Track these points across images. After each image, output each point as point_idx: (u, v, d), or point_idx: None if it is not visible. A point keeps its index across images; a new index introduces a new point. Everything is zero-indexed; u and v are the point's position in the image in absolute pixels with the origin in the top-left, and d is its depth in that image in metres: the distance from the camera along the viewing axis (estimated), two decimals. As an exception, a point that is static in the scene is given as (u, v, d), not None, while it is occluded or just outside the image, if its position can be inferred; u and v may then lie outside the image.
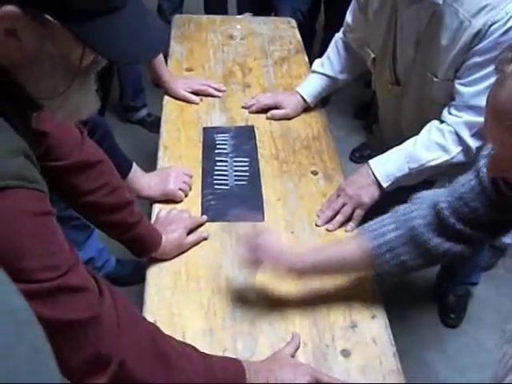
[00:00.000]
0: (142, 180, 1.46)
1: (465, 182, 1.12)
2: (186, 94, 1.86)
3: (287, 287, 1.31)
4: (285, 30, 2.32)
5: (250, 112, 1.85)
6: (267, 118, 1.83)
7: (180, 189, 1.50)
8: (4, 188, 0.73)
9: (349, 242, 1.24)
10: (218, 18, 2.40)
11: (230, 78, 2.01)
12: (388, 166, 1.48)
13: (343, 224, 1.48)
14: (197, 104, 1.86)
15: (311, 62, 2.15)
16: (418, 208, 1.17)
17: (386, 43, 1.57)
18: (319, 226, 1.47)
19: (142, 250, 1.33)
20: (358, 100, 3.44)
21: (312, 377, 1.10)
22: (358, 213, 1.49)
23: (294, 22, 2.38)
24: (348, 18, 1.75)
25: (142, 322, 0.97)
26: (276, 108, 1.83)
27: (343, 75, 1.83)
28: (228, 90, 1.94)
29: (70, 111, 0.86)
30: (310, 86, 1.84)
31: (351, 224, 1.48)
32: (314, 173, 1.63)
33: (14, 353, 0.31)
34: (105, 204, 1.22)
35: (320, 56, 1.89)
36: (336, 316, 1.27)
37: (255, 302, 1.28)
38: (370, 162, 1.50)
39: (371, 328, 1.25)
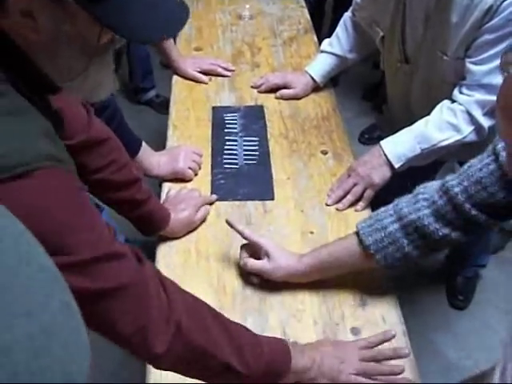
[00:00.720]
0: (151, 159, 1.46)
1: (482, 166, 1.08)
2: (196, 73, 1.86)
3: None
4: (294, 10, 2.30)
5: (259, 91, 1.84)
6: (276, 98, 1.82)
7: (190, 168, 1.50)
8: (39, 169, 0.72)
9: (346, 241, 1.23)
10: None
11: (238, 58, 2.00)
12: (399, 146, 1.46)
13: (353, 204, 1.48)
14: (206, 84, 1.86)
15: (320, 43, 2.14)
16: (423, 199, 1.15)
17: (394, 21, 1.56)
18: (329, 206, 1.47)
19: (151, 228, 1.33)
20: (367, 82, 3.43)
21: (360, 368, 1.10)
22: (369, 193, 1.48)
23: (302, 2, 2.36)
24: None
25: (183, 289, 0.97)
26: (285, 88, 1.82)
27: (352, 54, 1.81)
28: (237, 70, 1.93)
29: (89, 91, 0.86)
30: (319, 65, 1.83)
31: (361, 204, 1.48)
32: (324, 152, 1.62)
33: (47, 307, 0.32)
34: (113, 181, 1.23)
35: (329, 36, 1.87)
36: (345, 294, 1.27)
37: (265, 280, 1.28)
38: (382, 142, 1.49)
39: (381, 307, 1.25)
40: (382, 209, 1.20)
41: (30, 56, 0.77)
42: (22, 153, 0.70)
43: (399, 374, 1.10)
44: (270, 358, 0.99)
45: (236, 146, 1.62)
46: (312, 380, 1.06)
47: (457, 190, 1.10)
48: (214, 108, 1.75)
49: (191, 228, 1.38)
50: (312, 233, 1.39)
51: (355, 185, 1.48)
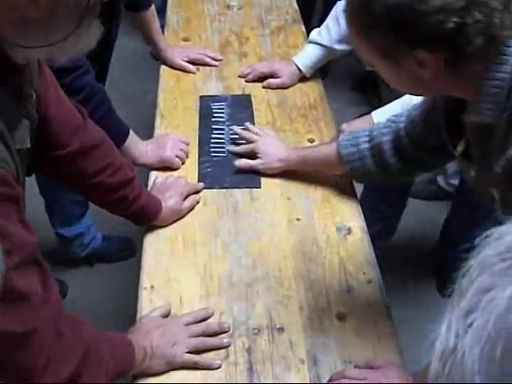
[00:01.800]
0: (138, 147, 1.46)
1: (418, 104, 1.23)
2: (183, 63, 1.86)
3: (283, 252, 1.32)
4: (282, 0, 2.29)
5: (247, 81, 1.84)
6: (263, 87, 1.82)
7: (177, 156, 1.50)
8: None
9: (329, 147, 1.41)
10: (214, -12, 2.37)
11: (226, 48, 2.00)
12: (387, 115, 1.48)
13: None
14: (193, 73, 1.86)
15: (309, 33, 2.14)
16: (388, 126, 1.31)
17: None
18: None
19: (144, 220, 1.35)
20: (356, 73, 3.42)
21: (191, 344, 1.12)
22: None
23: (291, -8, 2.36)
24: None
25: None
26: (272, 77, 1.82)
27: (341, 45, 1.80)
28: (225, 60, 1.93)
29: (73, 51, 0.85)
30: (306, 55, 1.83)
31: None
32: (311, 140, 1.63)
33: None
34: (110, 183, 1.23)
35: (319, 27, 1.87)
36: (332, 280, 1.27)
37: (251, 267, 1.29)
38: (374, 112, 1.55)
39: (367, 292, 1.26)
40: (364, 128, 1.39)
41: None
42: None
43: (228, 346, 1.13)
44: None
45: (223, 134, 1.62)
46: (148, 369, 1.08)
47: (401, 125, 1.28)
48: (201, 97, 1.75)
49: (179, 216, 1.38)
50: (298, 220, 1.39)
51: None
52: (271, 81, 1.82)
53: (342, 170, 1.40)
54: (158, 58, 1.91)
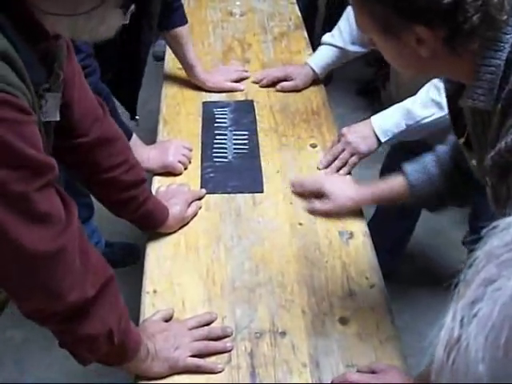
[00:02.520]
0: (141, 152, 1.47)
1: None
2: (230, 84, 1.84)
3: (286, 257, 1.32)
4: (284, 6, 2.30)
5: (261, 86, 1.86)
6: (277, 91, 1.84)
7: (179, 161, 1.50)
8: None
9: (397, 179, 1.33)
10: (217, -6, 2.39)
11: (229, 54, 2.01)
12: (387, 121, 1.52)
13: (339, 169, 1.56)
14: (241, 90, 1.85)
15: (313, 39, 2.15)
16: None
17: None
18: (320, 169, 1.56)
19: (150, 225, 1.34)
20: (360, 78, 3.43)
21: (194, 348, 1.12)
22: (353, 160, 1.55)
23: (293, -1, 2.37)
24: None
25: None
26: (285, 80, 1.84)
27: (354, 47, 1.81)
28: (227, 66, 1.94)
29: (93, 30, 0.86)
30: (320, 57, 1.85)
31: (344, 169, 1.55)
32: (313, 146, 1.63)
33: None
34: (123, 181, 1.23)
35: (322, 33, 1.89)
36: (334, 285, 1.27)
37: (254, 271, 1.29)
38: (372, 117, 1.54)
39: (369, 297, 1.26)
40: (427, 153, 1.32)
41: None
42: None
43: (230, 351, 1.13)
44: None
45: (226, 139, 1.63)
46: (149, 369, 1.08)
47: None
48: (204, 103, 1.76)
49: (183, 223, 1.38)
50: (301, 224, 1.40)
51: (343, 150, 1.54)
52: (284, 84, 1.84)
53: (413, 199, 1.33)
54: (193, 79, 1.83)
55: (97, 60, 1.40)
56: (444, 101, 1.45)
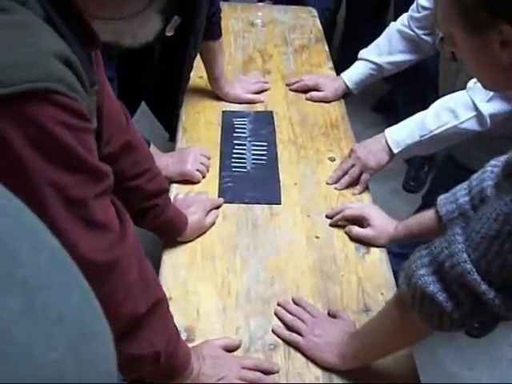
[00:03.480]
0: (159, 160, 1.46)
1: None
2: (249, 96, 1.84)
3: (302, 269, 1.32)
4: (305, 19, 2.31)
5: (291, 89, 1.89)
6: (306, 99, 1.86)
7: (198, 170, 1.50)
8: (45, 91, 0.70)
9: (429, 212, 1.26)
10: (238, 5, 2.40)
11: (250, 64, 2.01)
12: (401, 132, 1.50)
13: (351, 185, 1.54)
14: (262, 102, 1.85)
15: (331, 54, 2.15)
16: (489, 171, 1.11)
17: None
18: (329, 185, 1.55)
19: (169, 234, 1.34)
20: (376, 94, 3.43)
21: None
22: (365, 176, 1.54)
23: (314, 12, 2.37)
24: None
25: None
26: (316, 90, 1.86)
27: (389, 65, 1.83)
28: (248, 76, 1.95)
29: (134, 34, 0.86)
30: (354, 71, 1.86)
31: (358, 187, 1.54)
32: (332, 159, 1.63)
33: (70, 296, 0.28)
34: (146, 190, 1.23)
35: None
36: (349, 300, 1.27)
37: (269, 282, 1.29)
38: (387, 129, 1.54)
39: (384, 313, 1.25)
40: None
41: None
42: (29, 68, 0.68)
43: None
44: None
45: (245, 150, 1.63)
46: None
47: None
48: (223, 112, 1.76)
49: (201, 231, 1.38)
50: (317, 237, 1.39)
51: (353, 166, 1.54)
52: (314, 93, 1.86)
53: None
54: (216, 90, 1.84)
55: (136, 77, 1.39)
56: (459, 108, 1.44)
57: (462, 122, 1.44)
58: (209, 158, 1.56)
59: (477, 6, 0.82)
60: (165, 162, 1.49)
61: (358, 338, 1.09)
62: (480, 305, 0.84)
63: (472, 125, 1.44)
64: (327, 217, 1.49)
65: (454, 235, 0.86)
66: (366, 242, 1.39)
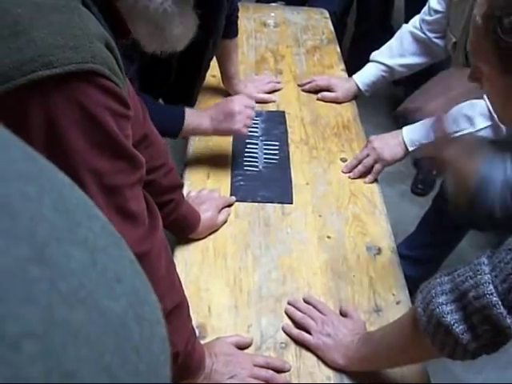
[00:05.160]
0: (200, 119, 1.44)
1: None
2: (261, 95, 1.85)
3: (313, 269, 1.32)
4: (318, 20, 2.32)
5: (303, 90, 1.90)
6: (317, 99, 1.87)
7: (245, 125, 1.47)
8: (89, 73, 0.71)
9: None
10: (251, 5, 2.41)
11: (262, 64, 2.02)
12: (417, 132, 1.52)
13: (364, 174, 1.57)
14: (274, 101, 1.86)
15: (342, 55, 2.15)
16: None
17: (466, 25, 1.56)
18: (345, 173, 1.59)
19: (182, 231, 1.34)
20: (387, 97, 3.43)
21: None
22: (378, 167, 1.56)
23: (326, 13, 2.38)
24: (432, 0, 1.73)
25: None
26: (328, 91, 1.87)
27: (401, 68, 1.84)
28: (260, 76, 1.95)
29: (170, 40, 0.87)
30: (365, 73, 1.87)
31: (369, 177, 1.57)
32: (343, 160, 1.63)
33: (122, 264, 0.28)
34: (162, 184, 1.22)
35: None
36: (360, 300, 1.27)
37: (281, 281, 1.29)
38: (405, 127, 1.55)
39: (395, 313, 1.25)
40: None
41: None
42: (75, 49, 0.69)
43: None
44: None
45: (257, 149, 1.63)
46: None
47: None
48: (236, 111, 1.77)
49: (213, 229, 1.38)
50: (329, 237, 1.40)
51: (368, 155, 1.57)
52: (325, 94, 1.87)
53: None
54: (229, 89, 1.84)
55: (153, 75, 1.39)
56: (477, 117, 1.45)
57: (478, 130, 1.45)
58: (253, 108, 1.50)
59: None
60: (207, 120, 1.45)
61: (367, 343, 1.09)
62: (500, 339, 0.83)
63: (487, 133, 1.45)
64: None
65: (481, 265, 0.82)
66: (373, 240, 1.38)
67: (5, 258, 0.20)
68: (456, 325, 0.83)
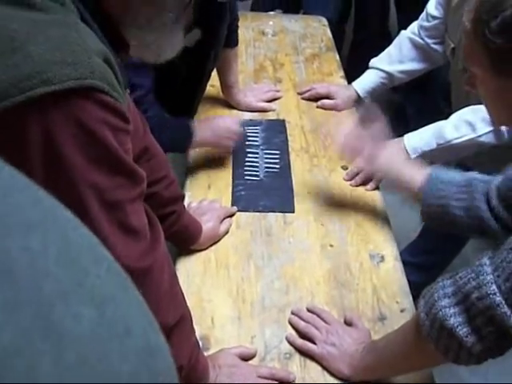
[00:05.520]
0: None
1: None
2: (261, 104, 1.85)
3: (316, 278, 1.31)
4: (316, 28, 2.32)
5: (303, 98, 1.90)
6: (317, 107, 1.86)
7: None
8: (88, 89, 0.70)
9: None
10: (249, 14, 2.42)
11: (261, 73, 2.02)
12: (418, 139, 1.51)
13: (365, 182, 1.57)
14: (273, 110, 1.86)
15: (341, 63, 2.15)
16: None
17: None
18: (346, 181, 1.59)
19: (184, 242, 1.33)
20: (386, 103, 3.43)
21: None
22: (379, 176, 1.54)
23: (325, 21, 2.38)
24: (430, 6, 1.73)
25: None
26: (327, 98, 1.86)
27: (401, 74, 1.84)
28: (259, 85, 1.95)
29: (159, 50, 0.86)
30: (365, 80, 1.87)
31: (371, 184, 1.57)
32: (344, 168, 1.63)
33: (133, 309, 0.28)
34: (163, 196, 1.22)
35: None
36: (365, 309, 1.26)
37: (284, 291, 1.28)
38: (406, 135, 1.54)
39: (400, 321, 1.23)
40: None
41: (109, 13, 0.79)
42: (73, 66, 0.68)
43: None
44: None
45: (257, 158, 1.63)
46: None
47: (492, 186, 1.11)
48: (236, 121, 1.76)
49: (215, 240, 1.38)
50: (332, 246, 1.39)
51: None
52: (325, 101, 1.87)
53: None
54: (228, 98, 1.85)
55: (162, 88, 1.40)
56: (478, 122, 1.45)
57: (479, 136, 1.45)
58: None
59: (506, 50, 0.84)
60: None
61: (371, 352, 1.08)
62: (505, 339, 0.82)
63: (489, 138, 1.45)
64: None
65: (482, 266, 0.82)
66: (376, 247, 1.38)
67: (7, 333, 0.19)
68: (459, 327, 0.83)
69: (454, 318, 0.83)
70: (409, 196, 1.31)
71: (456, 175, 1.21)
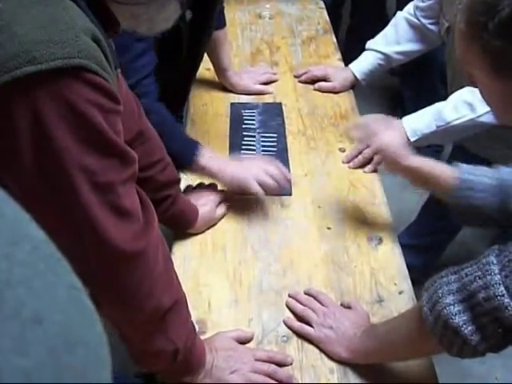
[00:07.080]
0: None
1: None
2: (258, 86, 1.82)
3: (314, 260, 1.30)
4: (312, 11, 2.30)
5: (299, 81, 1.88)
6: (314, 89, 1.85)
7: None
8: (76, 68, 0.68)
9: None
10: (245, -3, 2.39)
11: (257, 56, 2.00)
12: (418, 121, 1.49)
13: (364, 165, 1.56)
14: (271, 93, 1.83)
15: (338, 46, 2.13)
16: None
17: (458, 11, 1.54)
18: (344, 163, 1.58)
19: (181, 225, 1.32)
20: (383, 87, 3.41)
21: (249, 379, 1.07)
22: (378, 158, 1.53)
23: (321, 3, 2.35)
24: None
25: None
26: (324, 80, 1.85)
27: (398, 55, 1.82)
28: (255, 68, 1.93)
29: (151, 21, 0.83)
30: (362, 62, 1.85)
31: (369, 166, 1.56)
32: (342, 150, 1.62)
33: (53, 294, 0.25)
34: (158, 180, 1.20)
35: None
36: (363, 291, 1.25)
37: (281, 274, 1.27)
38: (405, 117, 1.51)
39: (398, 303, 1.23)
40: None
41: None
42: (61, 45, 0.66)
43: None
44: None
45: (254, 141, 1.61)
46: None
47: None
48: (232, 104, 1.75)
49: (212, 223, 1.37)
50: (329, 228, 1.38)
51: (368, 147, 1.52)
52: (322, 84, 1.85)
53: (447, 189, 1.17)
54: (224, 81, 1.81)
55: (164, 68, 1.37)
56: (477, 102, 1.43)
57: (479, 116, 1.43)
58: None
59: (506, 52, 0.81)
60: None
61: (371, 337, 1.07)
62: (510, 339, 0.81)
63: (489, 118, 1.43)
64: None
65: (489, 264, 0.80)
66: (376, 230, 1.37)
67: None
68: (464, 326, 0.82)
69: (459, 317, 0.82)
70: (434, 190, 1.25)
71: (485, 170, 1.15)
